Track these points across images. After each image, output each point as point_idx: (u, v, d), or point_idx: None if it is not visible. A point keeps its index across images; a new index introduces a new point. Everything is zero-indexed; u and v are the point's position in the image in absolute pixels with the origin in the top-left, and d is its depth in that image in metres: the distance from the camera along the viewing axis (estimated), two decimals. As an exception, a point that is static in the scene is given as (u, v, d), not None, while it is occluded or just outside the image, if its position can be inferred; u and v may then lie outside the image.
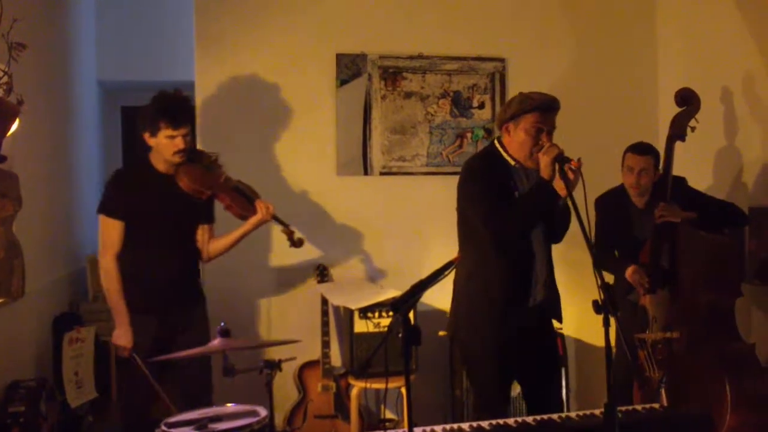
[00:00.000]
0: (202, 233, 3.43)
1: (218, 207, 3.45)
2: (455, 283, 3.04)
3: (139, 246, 3.24)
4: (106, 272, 3.23)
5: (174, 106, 3.22)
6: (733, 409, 2.99)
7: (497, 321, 2.88)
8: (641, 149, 3.57)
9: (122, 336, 3.19)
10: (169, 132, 3.18)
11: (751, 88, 3.71)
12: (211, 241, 3.45)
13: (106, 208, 3.24)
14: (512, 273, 2.89)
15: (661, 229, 3.33)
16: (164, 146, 3.21)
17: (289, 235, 3.50)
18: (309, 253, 4.03)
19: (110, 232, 3.23)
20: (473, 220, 2.90)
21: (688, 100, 3.45)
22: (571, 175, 2.63)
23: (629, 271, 3.46)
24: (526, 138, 2.85)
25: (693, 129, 3.43)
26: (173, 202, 3.27)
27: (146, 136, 3.24)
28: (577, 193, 2.53)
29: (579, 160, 2.63)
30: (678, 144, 3.41)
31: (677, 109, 3.48)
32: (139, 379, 3.05)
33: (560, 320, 3.06)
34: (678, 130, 3.41)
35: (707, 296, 3.22)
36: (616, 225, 3.62)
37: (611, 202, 3.65)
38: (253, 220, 3.36)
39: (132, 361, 3.11)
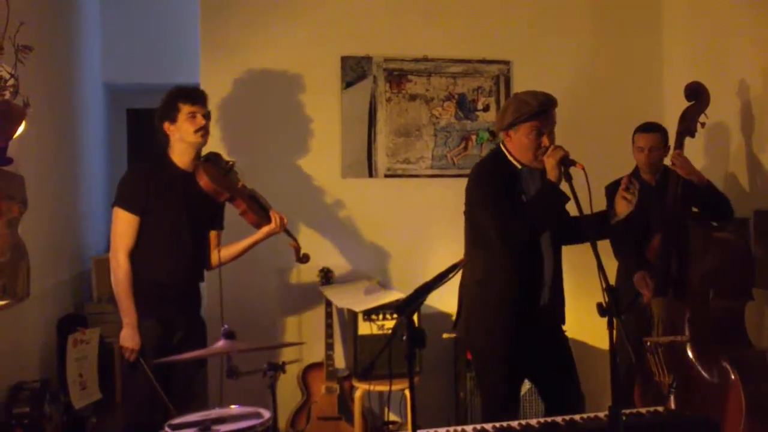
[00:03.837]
0: (213, 239, 3.41)
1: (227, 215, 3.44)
2: (463, 286, 3.04)
3: (152, 246, 3.16)
4: (117, 269, 3.12)
5: (189, 88, 3.26)
6: (747, 417, 2.94)
7: (509, 324, 2.89)
8: (648, 128, 3.62)
9: (130, 338, 3.09)
10: (189, 108, 3.17)
11: (762, 85, 3.67)
12: (220, 248, 3.41)
13: (124, 201, 3.14)
14: (522, 276, 2.90)
15: (671, 230, 3.28)
16: (186, 128, 3.17)
17: (296, 249, 3.52)
18: (313, 255, 4.02)
19: (125, 227, 3.12)
20: (482, 225, 2.91)
21: (697, 94, 3.36)
22: (628, 199, 2.79)
23: (636, 277, 3.45)
24: (527, 143, 2.86)
25: (703, 125, 3.35)
26: (192, 201, 3.22)
27: (166, 125, 3.20)
28: (581, 194, 2.54)
29: (584, 169, 2.63)
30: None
31: (680, 114, 3.43)
32: (144, 382, 3.01)
33: (563, 322, 3.06)
34: (688, 126, 3.35)
35: (717, 298, 3.16)
36: None
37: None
38: (266, 229, 3.34)
39: (137, 365, 3.06)
